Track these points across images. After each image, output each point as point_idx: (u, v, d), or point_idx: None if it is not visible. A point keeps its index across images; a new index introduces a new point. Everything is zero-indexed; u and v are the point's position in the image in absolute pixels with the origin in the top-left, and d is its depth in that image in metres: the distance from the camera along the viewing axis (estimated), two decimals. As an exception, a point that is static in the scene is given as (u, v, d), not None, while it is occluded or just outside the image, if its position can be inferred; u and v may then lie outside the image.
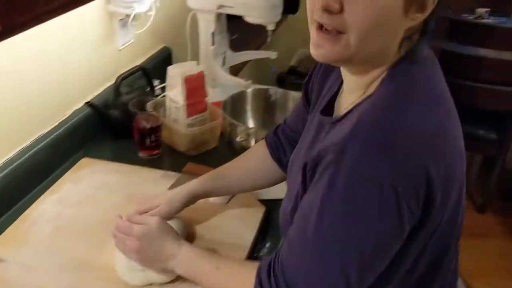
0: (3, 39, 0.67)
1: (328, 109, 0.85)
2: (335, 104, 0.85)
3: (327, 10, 0.67)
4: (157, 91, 1.59)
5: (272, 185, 1.11)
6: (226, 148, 1.39)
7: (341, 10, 0.66)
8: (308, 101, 0.98)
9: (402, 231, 0.67)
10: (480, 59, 2.21)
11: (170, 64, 1.83)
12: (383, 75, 0.73)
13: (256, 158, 1.10)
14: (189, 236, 1.03)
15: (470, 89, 2.25)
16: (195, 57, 1.66)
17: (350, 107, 0.76)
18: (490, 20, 2.83)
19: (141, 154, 1.35)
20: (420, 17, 0.69)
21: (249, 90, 1.40)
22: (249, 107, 1.41)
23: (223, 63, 1.64)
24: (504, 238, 2.47)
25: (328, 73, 0.91)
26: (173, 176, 1.25)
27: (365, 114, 0.68)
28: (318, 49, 0.71)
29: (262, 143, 1.11)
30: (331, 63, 0.77)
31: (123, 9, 1.41)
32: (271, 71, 3.62)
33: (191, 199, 1.02)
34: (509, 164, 2.66)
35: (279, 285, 0.72)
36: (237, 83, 1.53)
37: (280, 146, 1.07)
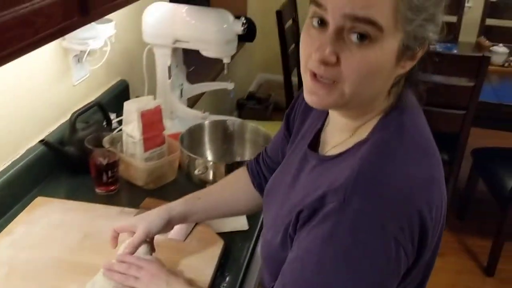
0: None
1: (313, 143, 0.87)
2: (321, 138, 0.87)
3: (324, 62, 0.69)
4: (114, 125, 1.59)
5: (251, 212, 1.13)
6: (185, 181, 1.40)
7: (337, 63, 0.68)
8: (289, 131, 1.00)
9: (398, 275, 0.71)
10: (430, 85, 2.30)
11: (127, 97, 1.84)
12: (375, 122, 0.76)
13: (236, 184, 1.11)
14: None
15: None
16: (153, 90, 1.67)
17: (338, 147, 0.79)
18: (436, 46, 2.96)
19: (98, 191, 1.34)
20: (410, 64, 0.73)
21: (206, 122, 1.42)
22: (207, 139, 1.43)
23: (181, 95, 1.66)
24: (461, 255, 2.55)
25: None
26: (130, 212, 1.24)
27: (365, 165, 0.71)
28: (313, 96, 0.73)
29: (244, 169, 1.13)
30: (325, 109, 0.80)
31: (77, 46, 1.41)
32: (230, 97, 3.65)
33: (169, 224, 1.04)
34: (461, 184, 2.77)
35: None
36: (194, 115, 1.55)
37: (261, 174, 1.09)
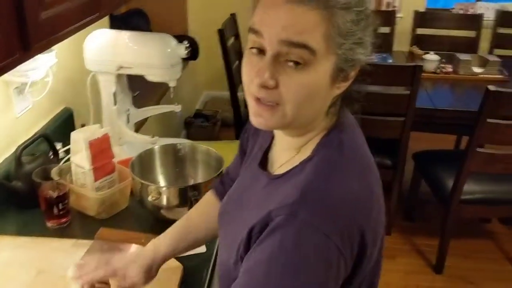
0: None
1: (263, 162, 0.91)
2: (269, 157, 0.91)
3: (264, 86, 0.73)
4: (61, 155, 1.56)
5: None
6: (138, 207, 1.39)
7: (277, 86, 0.73)
8: (244, 151, 1.03)
9: (337, 284, 0.74)
10: (369, 94, 2.41)
11: (72, 125, 1.82)
12: (318, 140, 0.81)
13: (211, 206, 1.11)
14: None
15: (363, 121, 2.44)
16: (98, 116, 1.65)
17: (285, 165, 0.83)
18: (373, 56, 3.10)
19: (50, 224, 1.31)
20: (345, 85, 0.79)
21: (156, 147, 1.43)
22: (158, 164, 1.43)
23: (128, 121, 1.65)
24: (410, 256, 2.65)
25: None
26: (85, 244, 1.22)
27: (310, 180, 0.76)
28: (258, 118, 0.78)
29: (211, 193, 1.14)
30: (270, 129, 0.85)
31: (18, 78, 1.39)
32: (177, 116, 3.64)
33: (162, 263, 1.04)
34: (405, 187, 2.89)
35: None
36: (143, 141, 1.55)
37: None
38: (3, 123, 1.44)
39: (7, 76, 1.39)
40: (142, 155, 1.38)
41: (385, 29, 3.46)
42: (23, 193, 1.35)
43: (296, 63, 0.72)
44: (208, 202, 1.13)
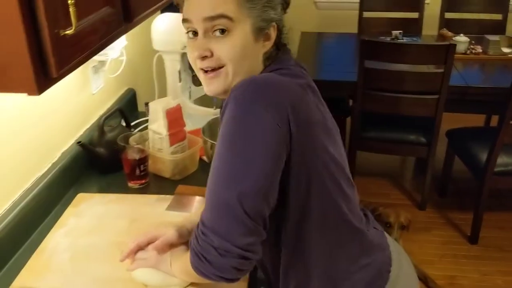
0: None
1: None
2: None
3: (202, 57, 0.91)
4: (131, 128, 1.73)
5: None
6: (206, 171, 1.54)
7: (212, 54, 0.91)
8: None
9: (282, 151, 0.86)
10: (400, 73, 2.53)
11: (135, 103, 1.98)
12: None
13: None
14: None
15: (395, 100, 2.56)
16: (163, 94, 1.82)
17: None
18: (404, 40, 3.21)
19: (131, 184, 1.47)
20: (269, 44, 0.95)
21: (222, 116, 1.58)
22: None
23: (189, 97, 1.81)
24: (445, 228, 2.77)
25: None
26: (167, 198, 1.39)
27: (243, 80, 0.89)
28: (209, 86, 0.95)
29: None
30: (220, 95, 0.97)
31: (97, 57, 1.55)
32: (213, 102, 3.81)
33: (189, 234, 1.14)
34: (438, 164, 3.00)
35: (198, 228, 0.88)
36: (206, 112, 1.70)
37: None
38: (83, 99, 1.62)
39: (88, 55, 1.56)
40: (211, 122, 1.53)
41: (413, 15, 3.56)
42: (105, 158, 1.51)
43: (221, 31, 0.89)
44: None
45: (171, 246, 1.09)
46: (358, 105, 2.65)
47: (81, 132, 1.59)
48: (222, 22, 0.89)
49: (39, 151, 1.36)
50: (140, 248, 1.11)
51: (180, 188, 1.43)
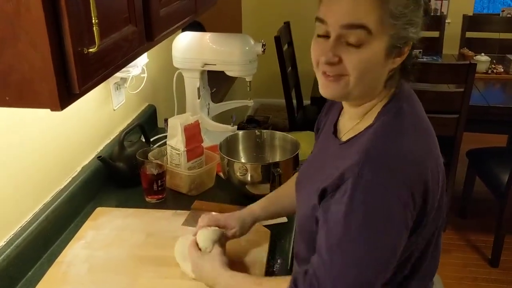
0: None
1: (333, 131, 1.07)
2: (337, 128, 1.07)
3: (329, 63, 0.89)
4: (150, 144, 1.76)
5: None
6: (222, 187, 1.56)
7: (339, 62, 0.89)
8: (318, 130, 1.20)
9: (406, 235, 0.87)
10: (420, 92, 2.51)
11: (156, 119, 2.02)
12: (379, 109, 0.95)
13: (291, 188, 1.25)
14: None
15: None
16: (182, 111, 1.84)
17: (350, 132, 0.99)
18: (424, 59, 3.21)
19: (149, 199, 1.49)
20: (399, 61, 0.92)
21: (240, 132, 1.60)
22: (241, 147, 1.60)
23: (208, 113, 1.83)
24: (465, 250, 2.72)
25: (331, 106, 1.15)
26: (183, 214, 1.40)
27: (372, 143, 0.89)
28: (326, 89, 0.94)
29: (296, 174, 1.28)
30: (334, 99, 0.99)
31: (120, 74, 1.59)
32: (232, 120, 3.84)
33: (254, 223, 1.22)
34: (458, 185, 2.96)
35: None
36: (224, 129, 1.72)
37: None
38: (104, 115, 1.65)
39: (110, 72, 1.60)
40: (228, 139, 1.55)
41: (434, 34, 3.55)
42: (124, 172, 1.54)
43: (356, 41, 0.86)
44: (293, 179, 1.29)
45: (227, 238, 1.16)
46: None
47: (101, 147, 1.62)
48: (359, 33, 0.86)
49: (59, 165, 1.40)
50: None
51: (197, 203, 1.44)
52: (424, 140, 0.93)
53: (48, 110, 0.80)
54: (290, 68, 3.34)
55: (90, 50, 0.81)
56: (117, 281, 1.13)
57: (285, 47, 3.33)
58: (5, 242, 1.15)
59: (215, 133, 1.78)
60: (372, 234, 0.84)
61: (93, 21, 0.79)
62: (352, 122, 1.00)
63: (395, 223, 0.85)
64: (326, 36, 0.89)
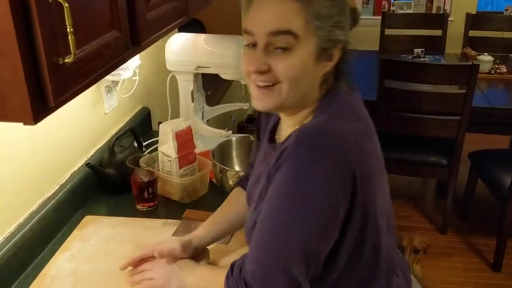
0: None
1: (272, 139, 1.05)
2: (276, 137, 1.05)
3: (259, 72, 0.88)
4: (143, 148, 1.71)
5: None
6: (216, 194, 1.52)
7: (269, 69, 0.87)
8: (260, 139, 1.16)
9: (337, 217, 0.84)
10: (421, 93, 2.47)
11: (150, 122, 1.97)
12: (314, 109, 0.93)
13: (238, 202, 1.23)
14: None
15: (415, 120, 2.50)
16: (175, 114, 1.80)
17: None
18: (426, 58, 3.15)
19: (139, 207, 1.45)
20: (330, 65, 0.90)
21: (233, 138, 1.55)
22: (234, 154, 1.55)
23: (202, 117, 1.79)
24: (467, 254, 2.67)
25: (269, 115, 1.11)
26: (173, 223, 1.36)
27: (305, 127, 0.88)
28: (259, 101, 0.92)
29: (238, 188, 1.26)
30: (270, 111, 0.98)
31: (110, 77, 1.54)
32: (231, 120, 3.79)
33: (199, 246, 1.16)
34: (460, 187, 2.91)
35: (241, 274, 0.90)
36: (218, 134, 1.68)
37: None
38: (94, 119, 1.61)
39: (100, 75, 1.55)
40: (221, 145, 1.50)
41: (436, 32, 3.50)
42: (114, 179, 1.49)
43: (284, 48, 0.85)
44: (234, 193, 1.26)
45: (175, 259, 1.10)
46: (378, 125, 2.59)
47: (92, 152, 1.58)
48: (286, 39, 0.85)
49: (47, 172, 1.35)
50: (143, 259, 1.12)
51: (188, 213, 1.40)
52: (359, 123, 0.90)
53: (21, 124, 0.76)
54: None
55: (66, 60, 0.76)
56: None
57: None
58: (-13, 255, 1.11)
59: (209, 137, 1.73)
60: (295, 212, 0.83)
61: (68, 29, 0.75)
62: (290, 130, 0.96)
63: (323, 199, 0.82)
64: (255, 45, 0.88)
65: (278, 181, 0.85)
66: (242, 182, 1.25)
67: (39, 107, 0.75)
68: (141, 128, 1.84)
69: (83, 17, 0.83)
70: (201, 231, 1.18)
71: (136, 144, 1.66)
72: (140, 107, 1.94)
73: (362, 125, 0.90)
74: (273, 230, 0.85)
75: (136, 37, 1.06)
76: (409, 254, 2.16)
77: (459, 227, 2.87)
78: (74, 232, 1.32)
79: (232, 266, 0.95)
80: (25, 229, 1.22)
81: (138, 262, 1.13)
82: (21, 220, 1.24)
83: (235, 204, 1.23)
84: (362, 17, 3.75)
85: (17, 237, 1.18)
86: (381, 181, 0.93)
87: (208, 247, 1.19)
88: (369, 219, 0.89)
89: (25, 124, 0.75)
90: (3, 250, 1.13)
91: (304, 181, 0.81)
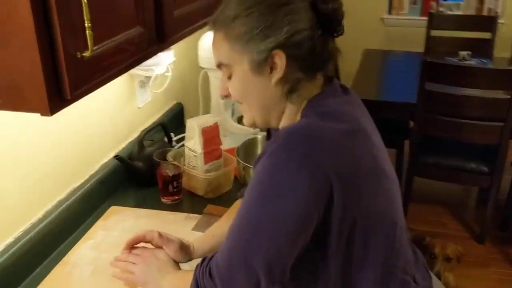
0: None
1: None
2: None
3: (224, 96, 0.99)
4: (173, 143, 1.74)
5: None
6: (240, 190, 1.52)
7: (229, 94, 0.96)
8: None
9: (308, 214, 0.82)
10: (463, 98, 2.39)
11: (183, 118, 2.00)
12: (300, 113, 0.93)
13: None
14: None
15: (457, 125, 2.42)
16: (207, 110, 1.82)
17: None
18: (472, 62, 3.04)
19: (164, 200, 1.48)
20: (278, 73, 0.88)
21: (259, 136, 1.55)
22: (259, 152, 1.55)
23: (232, 115, 1.80)
24: (504, 266, 2.56)
25: None
26: (195, 217, 1.37)
27: (285, 127, 0.88)
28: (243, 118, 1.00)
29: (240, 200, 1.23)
30: (253, 127, 1.02)
31: (143, 72, 1.57)
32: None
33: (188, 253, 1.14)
34: (502, 195, 2.79)
35: (209, 263, 0.90)
36: (246, 131, 1.68)
37: None
38: (127, 112, 1.65)
39: (133, 70, 1.59)
40: (247, 143, 1.51)
41: (485, 35, 3.37)
42: (142, 172, 1.53)
43: (228, 77, 0.93)
44: (237, 205, 1.24)
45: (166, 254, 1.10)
46: (417, 129, 2.53)
47: (124, 145, 1.62)
48: (224, 69, 0.93)
49: (78, 162, 1.40)
50: (138, 242, 1.14)
51: (209, 208, 1.41)
52: (341, 126, 0.87)
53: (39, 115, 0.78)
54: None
55: (84, 54, 0.78)
56: (118, 287, 1.11)
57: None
58: (14, 239, 1.16)
59: (238, 134, 1.74)
60: (266, 205, 0.82)
61: (86, 24, 0.77)
62: None
63: (293, 198, 0.81)
64: None
65: (253, 177, 0.86)
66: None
67: (56, 100, 0.78)
68: (173, 123, 1.87)
69: (105, 12, 0.85)
70: (197, 243, 1.16)
71: (166, 139, 1.69)
72: (173, 103, 1.97)
73: (346, 126, 0.87)
74: (241, 224, 0.85)
75: (162, 33, 1.08)
76: (440, 262, 2.10)
77: (498, 237, 2.76)
78: (99, 222, 1.36)
79: (204, 258, 0.95)
80: (52, 216, 1.26)
81: (133, 247, 1.14)
82: (48, 207, 1.28)
83: (232, 214, 1.22)
84: (408, 17, 3.68)
85: (43, 224, 1.23)
86: (380, 182, 0.90)
87: None
88: (359, 219, 0.86)
89: (42, 115, 0.78)
90: (28, 236, 1.18)
91: (274, 180, 0.81)
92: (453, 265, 2.15)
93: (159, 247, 1.12)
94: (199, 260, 1.07)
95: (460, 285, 2.24)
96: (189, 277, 0.96)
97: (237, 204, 1.25)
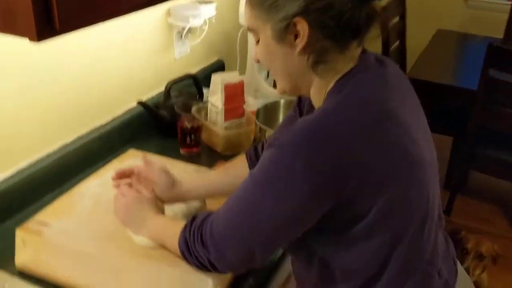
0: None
1: None
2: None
3: (256, 61, 0.97)
4: (205, 98, 1.75)
5: None
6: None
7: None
8: (300, 107, 1.11)
9: (311, 206, 0.81)
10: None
11: (222, 75, 1.99)
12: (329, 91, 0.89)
13: (234, 165, 1.22)
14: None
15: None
16: (244, 70, 1.80)
17: None
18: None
19: (182, 151, 1.50)
20: (302, 42, 0.84)
21: (282, 101, 1.52)
22: (280, 116, 1.53)
23: (267, 77, 1.77)
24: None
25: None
26: (203, 171, 1.38)
27: (301, 120, 0.85)
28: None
29: (242, 156, 1.22)
30: (285, 94, 1.00)
31: (180, 22, 1.58)
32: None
33: (175, 186, 1.15)
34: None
35: (201, 228, 0.90)
36: (276, 94, 1.65)
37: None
38: (163, 62, 1.67)
39: (171, 19, 1.60)
40: (268, 106, 1.48)
41: None
42: (166, 121, 1.55)
43: (257, 41, 0.92)
44: (235, 165, 1.21)
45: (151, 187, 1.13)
46: (475, 119, 2.37)
47: (154, 93, 1.65)
48: (252, 34, 0.92)
49: (105, 102, 1.44)
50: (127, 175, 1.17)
51: (219, 163, 1.41)
52: (352, 128, 0.81)
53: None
54: (398, 41, 3.12)
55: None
56: (112, 222, 1.13)
57: (396, 19, 3.09)
58: (29, 164, 1.23)
59: (270, 97, 1.71)
60: (268, 194, 0.82)
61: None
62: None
63: (294, 188, 0.79)
64: None
65: (261, 161, 0.85)
66: (250, 152, 1.20)
67: (44, 28, 0.79)
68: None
69: None
70: (192, 185, 1.16)
71: (197, 93, 1.70)
72: (215, 59, 1.97)
73: (368, 116, 0.82)
74: (244, 197, 0.86)
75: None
76: (471, 258, 1.99)
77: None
78: (114, 162, 1.40)
79: (194, 217, 0.95)
80: (68, 150, 1.32)
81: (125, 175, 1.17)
82: (66, 141, 1.34)
83: (227, 168, 1.22)
84: (490, 0, 3.40)
85: (58, 155, 1.30)
86: (412, 171, 0.85)
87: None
88: (383, 211, 0.82)
89: (30, 40, 0.80)
90: (42, 164, 1.25)
91: (275, 175, 0.81)
92: (487, 264, 2.03)
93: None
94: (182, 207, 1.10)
95: (491, 286, 2.11)
96: (171, 228, 0.99)
97: (238, 159, 1.24)
